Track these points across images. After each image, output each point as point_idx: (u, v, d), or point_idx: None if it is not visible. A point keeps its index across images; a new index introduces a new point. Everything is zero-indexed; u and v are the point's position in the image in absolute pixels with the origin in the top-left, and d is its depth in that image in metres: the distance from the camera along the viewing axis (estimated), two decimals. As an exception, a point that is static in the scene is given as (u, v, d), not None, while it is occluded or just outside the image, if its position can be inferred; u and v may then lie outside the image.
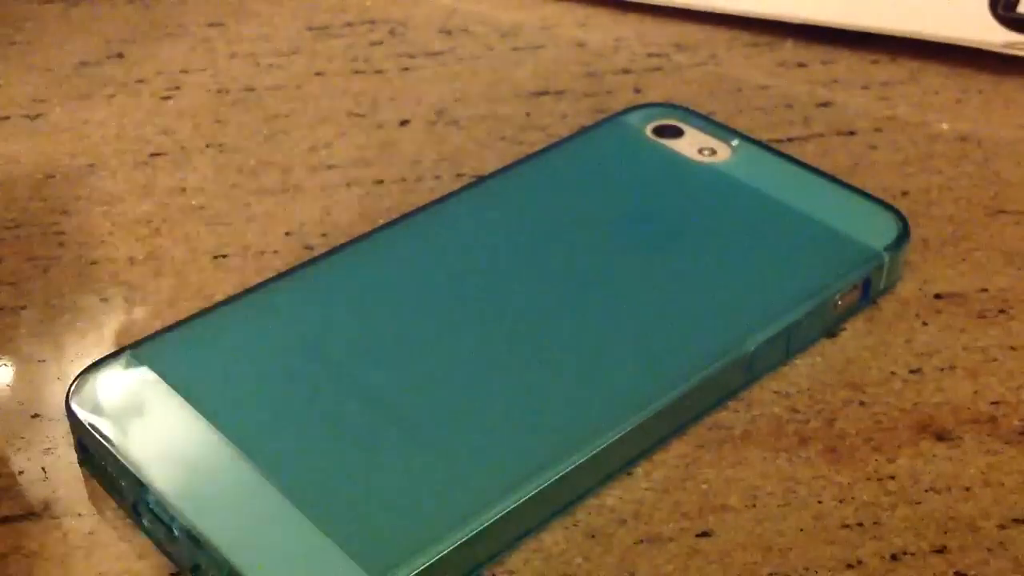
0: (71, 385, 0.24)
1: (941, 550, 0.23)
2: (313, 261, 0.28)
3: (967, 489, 0.24)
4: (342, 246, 0.28)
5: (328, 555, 0.21)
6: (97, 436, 0.23)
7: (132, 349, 0.25)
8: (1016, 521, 0.23)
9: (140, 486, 0.22)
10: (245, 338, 0.25)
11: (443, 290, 0.27)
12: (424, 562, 0.21)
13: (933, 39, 0.37)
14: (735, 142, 0.32)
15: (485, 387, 0.24)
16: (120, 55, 0.38)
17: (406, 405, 0.24)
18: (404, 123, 0.35)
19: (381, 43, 0.39)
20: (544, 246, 0.28)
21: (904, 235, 0.28)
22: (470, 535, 0.21)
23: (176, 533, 0.21)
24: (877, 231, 0.28)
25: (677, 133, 0.32)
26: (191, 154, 0.34)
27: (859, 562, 0.23)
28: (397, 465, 0.23)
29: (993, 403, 0.26)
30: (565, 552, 0.23)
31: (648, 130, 0.32)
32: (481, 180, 0.31)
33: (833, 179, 0.30)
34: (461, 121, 0.35)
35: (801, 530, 0.23)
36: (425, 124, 0.35)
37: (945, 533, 0.23)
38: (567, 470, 0.23)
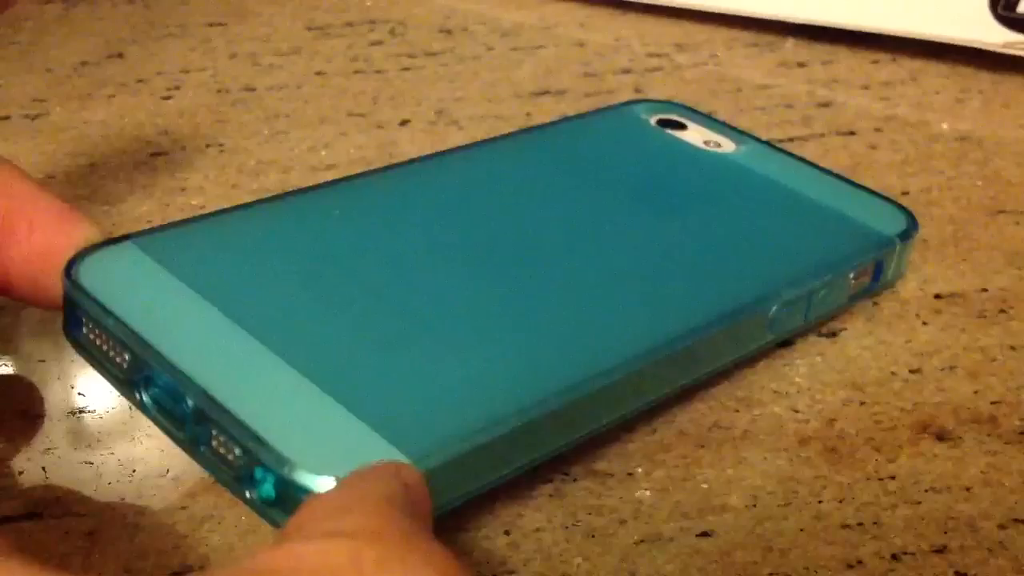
0: (72, 259, 0.23)
1: (941, 550, 0.23)
2: (332, 183, 0.28)
3: (967, 489, 0.24)
4: (357, 175, 0.28)
5: (348, 424, 0.20)
6: (101, 306, 0.22)
7: (135, 238, 0.24)
8: (1016, 521, 0.23)
9: (148, 356, 0.21)
10: (253, 239, 0.25)
11: (460, 234, 0.27)
12: (463, 449, 0.20)
13: (933, 39, 0.37)
14: (739, 139, 0.32)
15: (519, 298, 0.24)
16: (120, 55, 0.38)
17: (437, 303, 0.24)
18: (404, 123, 0.35)
19: (381, 43, 0.39)
20: (574, 205, 0.28)
21: (913, 227, 0.28)
22: (512, 427, 0.21)
23: (189, 404, 0.20)
24: (887, 222, 0.29)
25: (681, 127, 0.32)
26: (191, 154, 0.34)
27: (859, 562, 0.23)
28: (428, 350, 0.22)
29: (993, 403, 0.26)
30: (565, 552, 0.23)
31: (653, 121, 0.32)
32: (506, 136, 0.31)
33: (840, 177, 0.31)
34: (461, 121, 0.35)
35: (801, 530, 0.23)
36: (425, 124, 0.35)
37: (945, 533, 0.23)
38: (605, 381, 0.23)
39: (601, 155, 0.30)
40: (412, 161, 0.29)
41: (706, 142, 0.31)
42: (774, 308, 0.26)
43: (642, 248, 0.27)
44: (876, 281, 0.28)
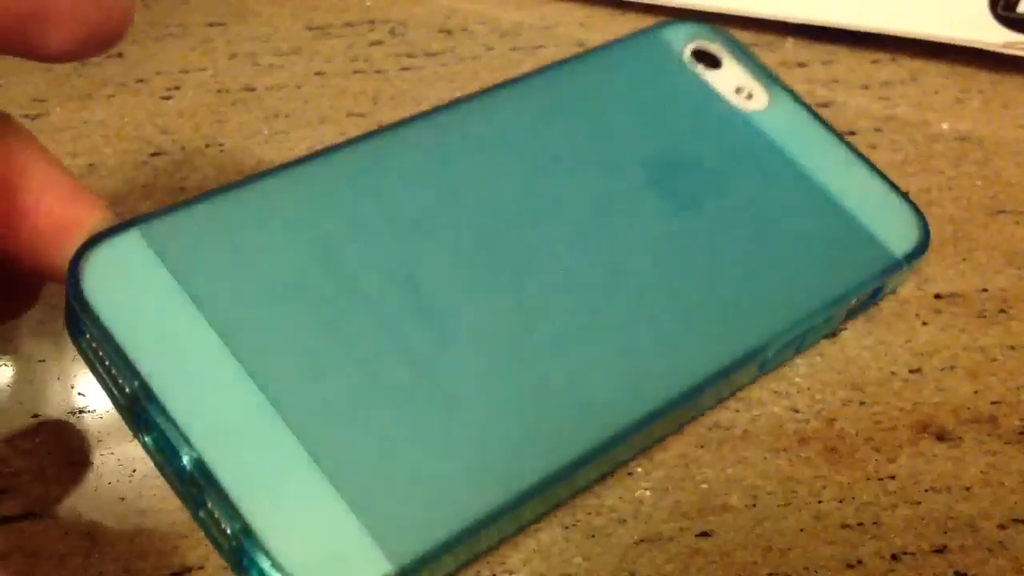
0: (75, 256, 0.22)
1: (941, 550, 0.23)
2: (344, 146, 0.25)
3: (967, 489, 0.24)
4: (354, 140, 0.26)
5: (343, 525, 0.20)
6: (104, 330, 0.21)
7: (142, 225, 0.22)
8: (1016, 521, 0.23)
9: (148, 401, 0.20)
10: (274, 234, 0.23)
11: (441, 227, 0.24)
12: (445, 551, 0.20)
13: (933, 39, 0.37)
14: (771, 88, 0.29)
15: (512, 367, 0.23)
16: (120, 55, 0.38)
17: (436, 362, 0.22)
18: (404, 123, 0.35)
19: (381, 43, 0.39)
20: (549, 182, 0.26)
21: (924, 242, 0.27)
22: (509, 519, 0.21)
23: (185, 466, 0.20)
24: (899, 232, 0.27)
25: (715, 63, 0.29)
26: (191, 154, 0.34)
27: (859, 562, 0.23)
28: (425, 437, 0.21)
29: (993, 403, 0.26)
30: (565, 552, 0.23)
31: (687, 52, 0.29)
32: (498, 88, 0.28)
33: (860, 157, 0.28)
34: (461, 121, 0.35)
35: (801, 530, 0.23)
36: (425, 124, 0.35)
37: (945, 533, 0.23)
38: (593, 463, 0.22)
39: (610, 117, 0.27)
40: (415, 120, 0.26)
41: (738, 89, 0.28)
42: (769, 353, 0.25)
43: (632, 276, 0.24)
44: (873, 298, 0.27)
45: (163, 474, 0.20)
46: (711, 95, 0.28)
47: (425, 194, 0.25)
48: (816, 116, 0.29)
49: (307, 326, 0.22)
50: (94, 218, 0.22)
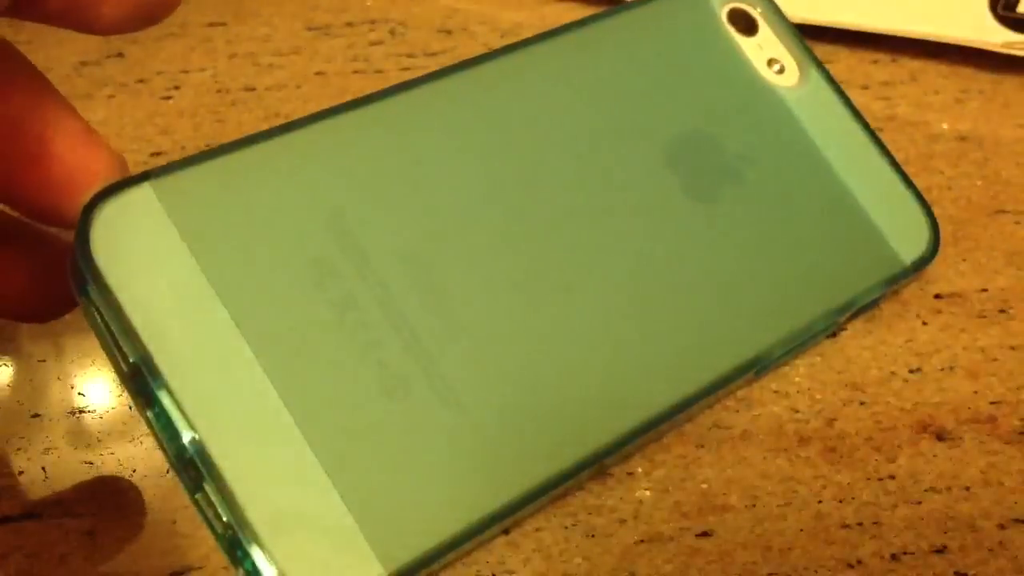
0: (83, 215, 0.20)
1: (941, 550, 0.23)
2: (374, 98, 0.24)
3: (967, 489, 0.24)
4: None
5: (339, 524, 0.19)
6: (113, 299, 0.19)
7: (155, 179, 0.21)
8: (1016, 521, 0.23)
9: (152, 377, 0.19)
10: (298, 207, 0.22)
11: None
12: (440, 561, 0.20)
13: (933, 39, 0.37)
14: (804, 64, 0.27)
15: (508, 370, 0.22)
16: (120, 55, 0.38)
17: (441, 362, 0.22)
18: (404, 123, 0.35)
19: (381, 43, 0.39)
20: (563, 152, 0.24)
21: (934, 249, 0.27)
22: (500, 524, 0.21)
23: (187, 449, 0.19)
24: (910, 237, 0.26)
25: (751, 28, 0.27)
26: (191, 154, 0.34)
27: (859, 562, 0.23)
28: (425, 441, 0.21)
29: (993, 403, 0.26)
30: (565, 552, 0.23)
31: (724, 12, 0.27)
32: (530, 41, 0.25)
33: (885, 152, 0.27)
34: (461, 121, 0.35)
35: (801, 530, 0.23)
36: (425, 124, 0.35)
37: (945, 533, 0.23)
38: (591, 464, 0.22)
39: (636, 80, 0.25)
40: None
41: (770, 61, 0.27)
42: (772, 357, 0.25)
43: (639, 271, 0.24)
44: (876, 300, 0.27)
45: (161, 448, 0.20)
46: (742, 63, 0.27)
47: (445, 158, 0.23)
48: (847, 102, 0.27)
49: (318, 311, 0.21)
50: (108, 168, 0.20)
